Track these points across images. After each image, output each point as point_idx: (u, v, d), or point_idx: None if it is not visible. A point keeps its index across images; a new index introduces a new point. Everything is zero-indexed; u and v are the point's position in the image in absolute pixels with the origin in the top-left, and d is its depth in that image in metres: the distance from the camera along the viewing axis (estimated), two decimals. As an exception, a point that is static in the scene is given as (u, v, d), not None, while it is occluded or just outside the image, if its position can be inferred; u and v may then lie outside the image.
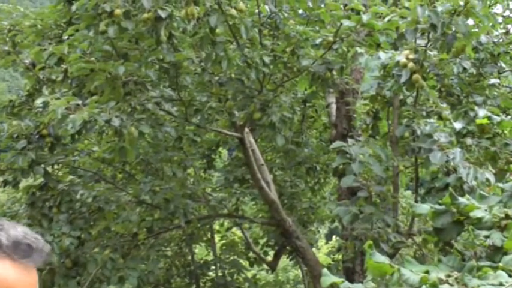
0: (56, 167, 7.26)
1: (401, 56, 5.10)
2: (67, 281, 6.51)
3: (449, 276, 2.87)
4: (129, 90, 5.75)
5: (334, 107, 8.06)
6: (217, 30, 5.41)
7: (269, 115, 5.93)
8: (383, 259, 2.99)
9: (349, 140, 5.54)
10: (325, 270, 3.34)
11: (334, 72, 6.03)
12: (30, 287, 1.37)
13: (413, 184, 6.54)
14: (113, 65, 5.34)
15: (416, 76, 5.07)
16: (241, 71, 5.92)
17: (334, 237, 15.12)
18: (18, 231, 1.38)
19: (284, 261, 11.88)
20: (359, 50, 5.53)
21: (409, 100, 5.99)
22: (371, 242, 3.13)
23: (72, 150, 7.34)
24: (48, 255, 1.43)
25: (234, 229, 10.13)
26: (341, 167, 5.49)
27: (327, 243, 16.04)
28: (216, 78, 6.06)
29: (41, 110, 6.28)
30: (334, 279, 3.24)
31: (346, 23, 5.41)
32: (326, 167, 8.92)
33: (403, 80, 5.05)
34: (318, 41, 5.81)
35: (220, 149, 9.11)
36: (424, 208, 3.69)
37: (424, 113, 5.69)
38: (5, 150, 6.74)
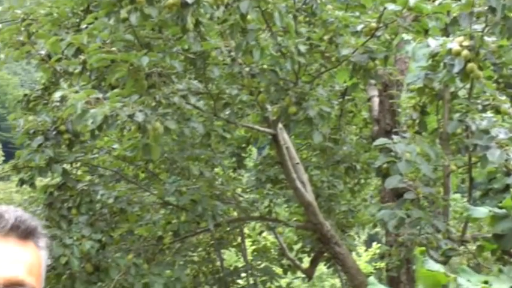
0: (74, 165, 7.30)
1: (454, 43, 4.98)
2: (88, 287, 6.54)
3: (513, 288, 2.78)
4: (153, 83, 5.73)
5: (376, 100, 7.96)
6: (249, 17, 5.36)
7: (305, 109, 5.87)
8: (437, 267, 2.92)
9: (394, 137, 5.45)
10: (371, 279, 3.27)
11: (377, 62, 5.94)
12: (10, 253, 1.48)
13: (465, 186, 6.42)
14: (136, 56, 5.32)
15: (471, 65, 4.95)
16: (275, 61, 5.86)
17: (374, 243, 15.01)
18: None
19: (319, 268, 11.82)
20: (405, 37, 5.43)
21: (461, 93, 5.87)
22: (423, 248, 3.05)
23: (91, 148, 7.37)
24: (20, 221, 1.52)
25: (265, 233, 10.10)
26: (385, 166, 5.40)
27: (366, 250, 15.93)
28: (247, 69, 6.01)
29: (58, 104, 6.33)
30: (381, 289, 3.18)
31: (390, 7, 5.31)
32: (367, 166, 8.82)
33: (456, 70, 4.93)
34: (359, 27, 5.73)
35: (251, 146, 9.09)
36: (482, 212, 3.59)
37: (480, 107, 5.56)
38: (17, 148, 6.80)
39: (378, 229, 12.54)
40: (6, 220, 1.49)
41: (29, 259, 1.51)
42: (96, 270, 6.72)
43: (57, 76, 7.24)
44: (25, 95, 8.16)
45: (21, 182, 6.87)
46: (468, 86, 5.52)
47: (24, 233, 1.52)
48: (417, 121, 6.33)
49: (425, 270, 2.97)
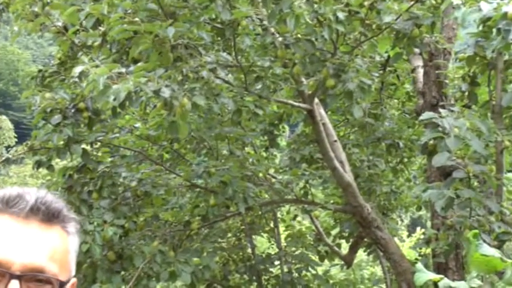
0: (94, 145, 7.38)
1: (510, 7, 4.95)
2: (110, 276, 6.63)
3: None
4: (179, 56, 5.78)
5: (421, 71, 7.93)
6: (282, -18, 5.37)
7: (344, 82, 5.88)
8: (492, 251, 2.95)
9: (442, 111, 5.44)
10: (419, 265, 3.32)
11: (423, 29, 5.92)
12: (30, 236, 1.48)
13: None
14: (161, 26, 5.36)
15: (528, 31, 4.92)
16: (311, 30, 5.86)
17: (418, 228, 15.03)
18: (12, 188, 1.53)
19: (358, 255, 11.86)
20: (454, 1, 5.41)
21: (516, 61, 5.84)
22: (476, 231, 3.08)
23: (112, 127, 7.44)
24: (44, 202, 1.52)
25: (299, 218, 10.14)
26: (431, 142, 5.41)
27: (409, 235, 15.95)
28: (281, 39, 6.03)
29: (77, 80, 6.41)
30: (431, 275, 3.22)
31: (437, -32, 5.29)
32: (411, 143, 8.81)
33: (512, 36, 4.91)
34: (403, -9, 5.72)
35: (283, 124, 9.13)
36: (540, 191, 3.60)
37: (538, 77, 5.54)
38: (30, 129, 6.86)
39: (421, 212, 12.51)
40: (26, 201, 1.49)
41: (52, 244, 1.50)
42: (119, 258, 6.79)
43: (74, 50, 7.33)
44: (39, 70, 8.28)
45: (38, 164, 6.96)
46: (524, 54, 5.50)
47: (46, 215, 1.51)
48: (467, 93, 6.31)
49: (479, 254, 3.01)
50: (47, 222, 1.51)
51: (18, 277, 1.43)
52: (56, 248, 1.51)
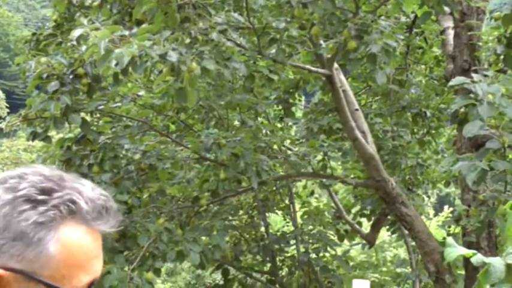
0: (94, 115, 7.40)
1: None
2: (113, 256, 6.67)
3: None
4: (187, 16, 5.78)
5: (451, 33, 7.87)
6: None
7: (367, 44, 5.87)
8: (531, 225, 2.95)
9: (474, 76, 5.42)
10: (450, 240, 3.32)
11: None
12: (99, 249, 1.46)
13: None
14: (167, -17, 5.37)
15: None
16: (331, -13, 5.85)
17: (446, 207, 15.03)
18: (92, 191, 1.45)
19: (380, 236, 11.90)
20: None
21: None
22: (513, 203, 3.09)
23: (113, 95, 7.44)
24: (119, 215, 1.51)
25: (317, 194, 10.17)
26: (462, 110, 5.40)
27: (436, 215, 15.96)
28: (297, -3, 6.02)
29: (75, 44, 6.41)
30: (462, 250, 3.22)
31: None
32: (439, 112, 8.79)
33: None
34: None
35: (299, 92, 9.13)
36: None
37: None
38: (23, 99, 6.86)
39: (449, 190, 12.45)
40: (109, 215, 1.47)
41: (98, 242, 1.48)
42: (122, 236, 6.84)
43: (71, 11, 7.34)
44: (34, 34, 8.29)
45: (33, 135, 6.96)
46: None
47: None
48: (502, 56, 6.27)
49: (516, 229, 3.01)
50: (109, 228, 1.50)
51: None
52: None
